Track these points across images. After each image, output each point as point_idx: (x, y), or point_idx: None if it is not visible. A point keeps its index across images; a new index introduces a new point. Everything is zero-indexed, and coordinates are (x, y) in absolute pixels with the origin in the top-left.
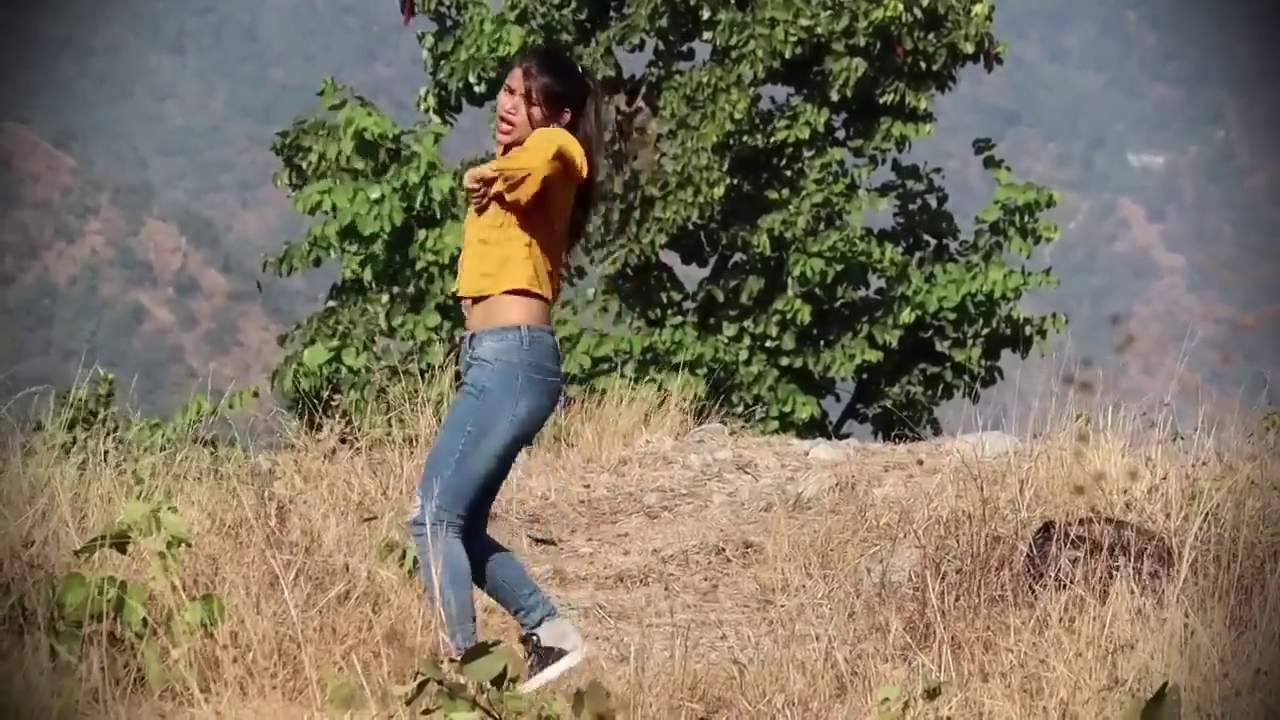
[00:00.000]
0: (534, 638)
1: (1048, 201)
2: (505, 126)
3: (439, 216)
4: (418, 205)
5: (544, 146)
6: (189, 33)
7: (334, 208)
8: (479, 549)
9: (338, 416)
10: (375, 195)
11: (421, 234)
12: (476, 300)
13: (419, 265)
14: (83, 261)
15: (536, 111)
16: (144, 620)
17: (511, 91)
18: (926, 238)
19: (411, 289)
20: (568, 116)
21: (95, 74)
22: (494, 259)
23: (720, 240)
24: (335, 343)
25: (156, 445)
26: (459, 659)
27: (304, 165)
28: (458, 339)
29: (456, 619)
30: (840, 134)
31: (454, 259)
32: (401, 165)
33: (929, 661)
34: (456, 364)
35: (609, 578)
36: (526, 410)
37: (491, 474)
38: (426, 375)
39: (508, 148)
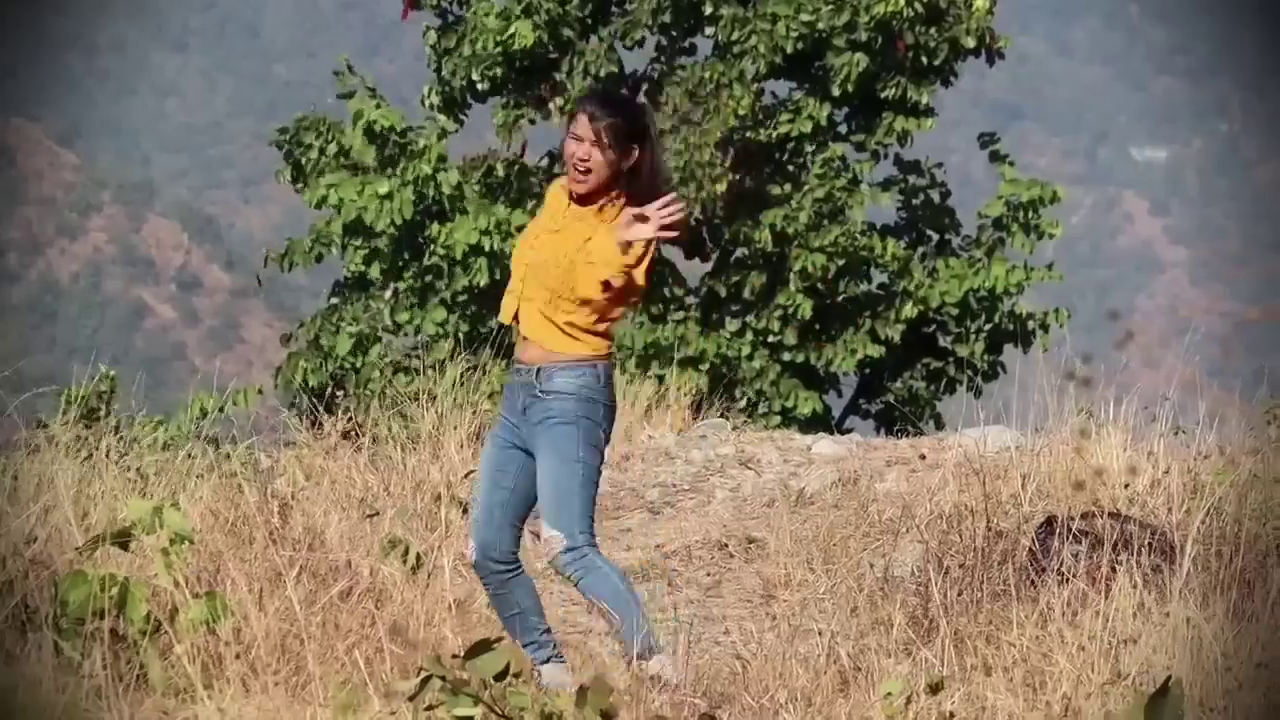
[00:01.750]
0: (535, 674)
1: (1051, 197)
2: (579, 175)
3: (449, 209)
4: (429, 198)
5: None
6: (192, 29)
7: (340, 202)
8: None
9: (340, 413)
10: (384, 190)
11: (434, 228)
12: None
13: (427, 260)
14: (85, 258)
15: (609, 154)
16: (147, 617)
17: (579, 139)
18: (929, 232)
19: (417, 284)
20: (636, 152)
21: (100, 71)
22: None
23: (723, 235)
24: (355, 329)
25: (160, 442)
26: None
27: (304, 161)
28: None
29: (640, 622)
30: (842, 129)
31: (465, 255)
32: (411, 159)
33: (932, 656)
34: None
35: None
36: None
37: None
38: (433, 371)
39: (583, 197)
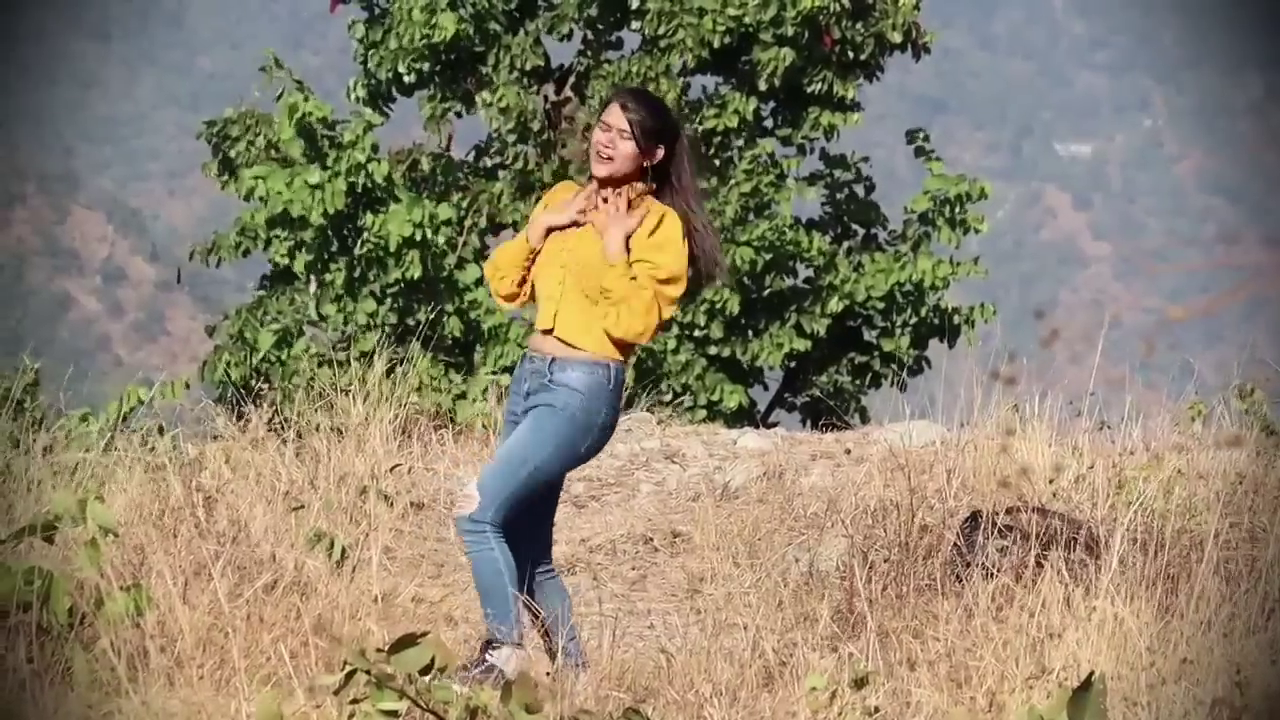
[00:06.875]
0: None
1: (980, 194)
2: (602, 160)
3: (381, 199)
4: (360, 188)
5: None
6: (114, 19)
7: (269, 193)
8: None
9: (265, 406)
10: (314, 180)
11: (368, 217)
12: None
13: (359, 250)
14: (9, 250)
15: (633, 146)
16: (71, 611)
17: (608, 127)
18: (855, 227)
19: (345, 275)
20: (660, 152)
21: (19, 60)
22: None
23: None
24: (278, 326)
25: (87, 435)
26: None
27: (232, 154)
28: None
29: (504, 614)
30: (768, 123)
31: (399, 246)
32: (343, 149)
33: (857, 651)
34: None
35: None
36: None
37: None
38: (360, 363)
39: (604, 181)
